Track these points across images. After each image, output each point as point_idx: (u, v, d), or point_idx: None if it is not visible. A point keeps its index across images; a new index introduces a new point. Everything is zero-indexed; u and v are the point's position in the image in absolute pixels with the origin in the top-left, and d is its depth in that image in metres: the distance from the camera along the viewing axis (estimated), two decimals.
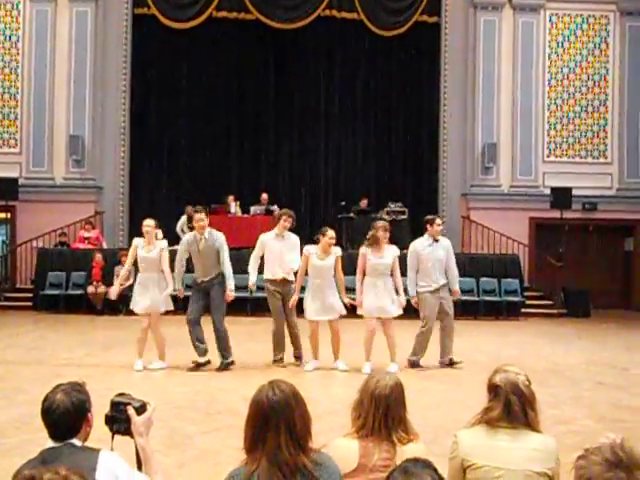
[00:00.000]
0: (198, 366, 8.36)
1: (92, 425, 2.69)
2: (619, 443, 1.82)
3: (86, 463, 2.44)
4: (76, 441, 2.59)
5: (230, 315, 13.28)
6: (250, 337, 10.94)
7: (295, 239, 8.86)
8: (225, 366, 8.38)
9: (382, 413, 2.84)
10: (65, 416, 2.56)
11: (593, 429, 5.86)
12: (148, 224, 8.51)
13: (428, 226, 8.89)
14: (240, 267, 14.68)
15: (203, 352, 8.41)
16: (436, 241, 8.82)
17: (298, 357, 8.83)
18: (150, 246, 8.47)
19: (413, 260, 8.71)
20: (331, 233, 8.37)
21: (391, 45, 18.01)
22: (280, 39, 17.75)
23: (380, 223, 8.66)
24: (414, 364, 8.63)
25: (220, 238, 8.51)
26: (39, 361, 8.84)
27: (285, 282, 8.65)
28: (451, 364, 8.74)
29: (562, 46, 17.72)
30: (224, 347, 8.42)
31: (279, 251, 8.67)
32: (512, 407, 2.77)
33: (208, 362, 8.41)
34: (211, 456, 5.04)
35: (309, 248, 8.46)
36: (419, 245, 8.83)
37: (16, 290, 15.83)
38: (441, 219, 9.07)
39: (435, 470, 2.06)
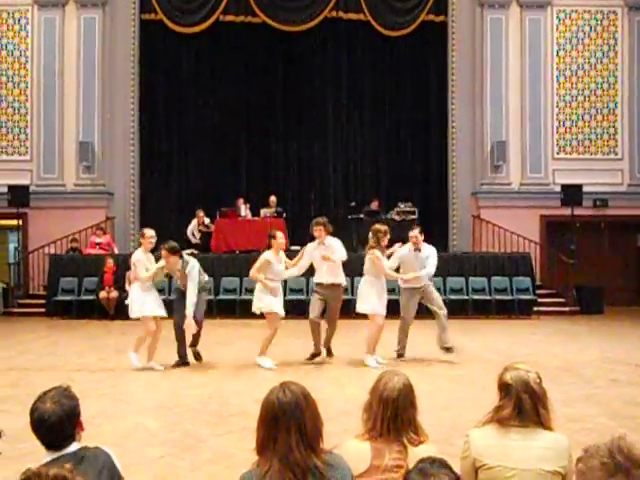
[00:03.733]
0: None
1: (84, 428, 2.70)
2: (617, 443, 1.81)
3: (107, 460, 2.57)
4: (76, 446, 2.60)
5: (242, 318, 13.37)
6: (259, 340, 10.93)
7: (335, 243, 9.10)
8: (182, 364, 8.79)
9: (391, 415, 2.83)
10: (59, 426, 2.54)
11: (607, 426, 5.83)
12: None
13: None
14: (248, 271, 14.77)
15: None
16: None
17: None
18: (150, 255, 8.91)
19: None
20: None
21: (398, 45, 18.00)
22: (287, 41, 17.77)
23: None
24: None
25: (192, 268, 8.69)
26: (52, 367, 8.88)
27: (332, 287, 8.96)
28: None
29: (570, 43, 17.64)
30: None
31: (320, 257, 8.99)
32: (523, 405, 2.76)
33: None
34: (224, 459, 5.05)
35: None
36: None
37: (29, 296, 15.93)
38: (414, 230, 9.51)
39: (451, 469, 2.07)
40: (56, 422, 2.53)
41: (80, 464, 2.48)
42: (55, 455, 2.55)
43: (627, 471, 1.76)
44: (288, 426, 2.45)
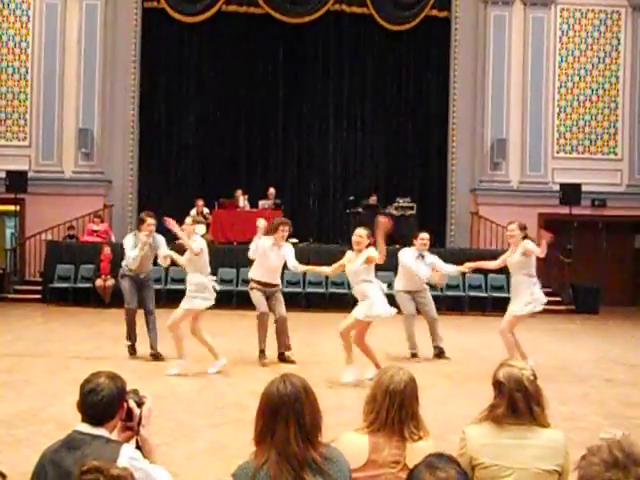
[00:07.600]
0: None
1: (122, 417, 2.73)
2: (617, 442, 1.84)
3: (109, 454, 2.50)
4: (106, 433, 2.62)
5: (236, 309, 13.39)
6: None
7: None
8: (157, 356, 8.64)
9: (396, 408, 2.83)
10: (108, 400, 2.61)
11: (601, 426, 5.83)
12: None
13: None
14: (246, 261, 14.75)
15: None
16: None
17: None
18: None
19: None
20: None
21: (401, 40, 17.96)
22: (289, 33, 17.71)
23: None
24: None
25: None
26: (48, 354, 8.88)
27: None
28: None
29: (573, 41, 17.62)
30: (156, 338, 8.76)
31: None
32: (517, 404, 2.76)
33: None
34: (219, 449, 5.06)
35: None
36: None
37: (25, 283, 15.89)
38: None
39: (459, 464, 2.08)
40: (105, 396, 2.60)
41: (71, 450, 2.51)
42: (82, 429, 2.60)
43: (625, 468, 1.78)
44: (287, 418, 2.44)
